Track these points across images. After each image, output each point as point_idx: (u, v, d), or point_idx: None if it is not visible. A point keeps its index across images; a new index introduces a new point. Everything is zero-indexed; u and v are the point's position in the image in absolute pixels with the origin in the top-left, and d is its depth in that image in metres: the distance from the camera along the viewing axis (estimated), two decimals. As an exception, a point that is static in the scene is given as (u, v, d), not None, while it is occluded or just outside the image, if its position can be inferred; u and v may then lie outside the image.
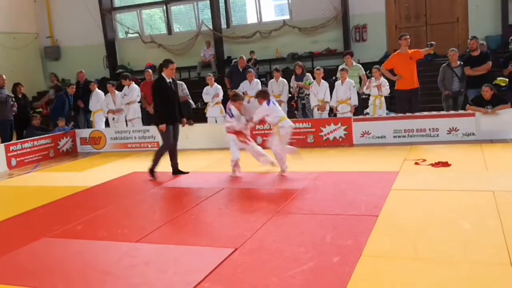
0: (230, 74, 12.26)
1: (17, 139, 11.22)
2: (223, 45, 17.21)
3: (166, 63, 8.03)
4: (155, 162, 8.05)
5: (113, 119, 11.92)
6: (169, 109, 8.06)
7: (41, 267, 4.60)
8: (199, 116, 11.65)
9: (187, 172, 8.25)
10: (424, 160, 7.71)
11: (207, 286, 3.91)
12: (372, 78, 10.46)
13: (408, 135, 9.55)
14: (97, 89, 12.21)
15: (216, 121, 11.28)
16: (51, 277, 4.33)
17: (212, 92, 11.30)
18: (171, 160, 8.30)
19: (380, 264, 4.10)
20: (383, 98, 10.34)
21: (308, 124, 10.11)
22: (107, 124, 12.34)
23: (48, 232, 5.58)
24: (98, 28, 18.25)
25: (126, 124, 11.93)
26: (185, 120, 8.78)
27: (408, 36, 10.03)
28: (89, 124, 12.50)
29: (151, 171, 8.04)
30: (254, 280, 3.98)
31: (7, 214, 6.48)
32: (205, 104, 11.76)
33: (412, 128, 9.53)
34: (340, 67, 11.10)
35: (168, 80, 8.02)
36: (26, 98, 12.50)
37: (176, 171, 8.29)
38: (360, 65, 11.14)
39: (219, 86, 11.38)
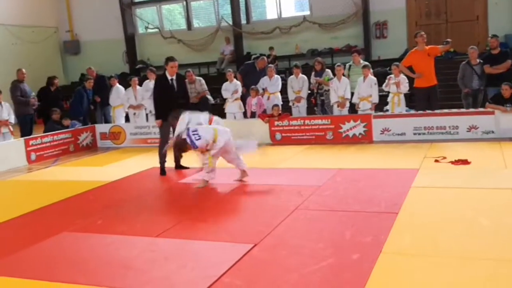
0: (244, 72, 12.07)
1: (44, 131, 11.34)
2: (243, 41, 17.20)
3: (167, 61, 8.18)
4: (160, 159, 8.21)
5: (134, 114, 11.99)
6: (167, 105, 8.18)
7: (62, 261, 4.65)
8: (218, 112, 11.64)
9: (188, 168, 8.29)
10: (444, 158, 7.64)
11: (227, 281, 3.92)
12: (391, 75, 10.37)
13: (428, 132, 9.47)
14: (117, 84, 12.29)
15: (235, 117, 11.28)
16: (72, 271, 4.37)
17: (231, 88, 11.30)
18: (174, 154, 8.41)
19: (400, 261, 4.08)
20: (402, 96, 10.26)
21: (328, 121, 10.07)
22: (127, 119, 12.43)
23: (68, 226, 5.64)
24: (118, 23, 18.37)
25: (147, 119, 11.95)
26: None
27: (423, 33, 9.97)
28: (106, 119, 12.60)
29: (160, 168, 8.17)
30: (273, 276, 3.98)
31: (28, 208, 6.55)
32: (224, 100, 11.77)
33: (432, 125, 9.45)
34: (347, 65, 11.05)
35: (169, 78, 8.15)
36: (60, 92, 12.65)
37: (177, 166, 8.38)
38: (367, 63, 11.05)
39: (239, 83, 11.37)
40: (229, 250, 4.59)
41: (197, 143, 6.52)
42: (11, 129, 10.79)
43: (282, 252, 4.45)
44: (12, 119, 10.79)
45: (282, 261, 4.26)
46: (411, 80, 10.19)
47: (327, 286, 3.73)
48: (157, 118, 8.37)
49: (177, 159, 8.36)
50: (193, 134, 6.59)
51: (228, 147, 6.84)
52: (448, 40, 10.04)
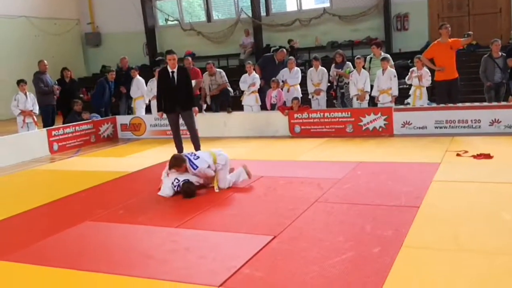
0: (263, 64, 12.02)
1: (63, 123, 11.50)
2: (262, 33, 17.17)
3: (165, 54, 8.45)
4: (177, 150, 8.40)
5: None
6: (167, 98, 8.45)
7: (84, 250, 4.72)
8: (238, 104, 11.68)
9: None
10: (466, 152, 7.54)
11: (247, 273, 3.94)
12: (414, 68, 10.26)
13: (449, 126, 9.35)
14: (138, 75, 12.37)
15: (252, 110, 11.27)
16: (94, 260, 4.43)
17: (249, 80, 11.27)
18: (176, 147, 8.63)
19: (421, 255, 4.05)
20: (424, 89, 10.14)
21: (348, 114, 10.01)
22: (148, 110, 12.50)
23: (90, 215, 5.71)
24: (138, 15, 18.46)
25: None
26: (196, 109, 8.81)
27: (448, 26, 9.84)
28: (130, 111, 12.70)
29: None
30: (293, 268, 3.98)
31: (50, 198, 6.65)
32: (242, 92, 11.76)
33: (453, 119, 9.33)
34: (367, 57, 10.95)
35: (170, 70, 8.32)
36: (74, 82, 12.76)
37: None
38: (389, 56, 10.95)
39: (257, 76, 11.33)
40: (248, 241, 4.61)
41: (197, 162, 6.27)
42: (35, 119, 10.98)
43: (302, 245, 4.45)
44: (36, 109, 11.00)
45: (302, 253, 4.26)
46: (432, 74, 10.08)
47: (348, 279, 3.73)
48: (158, 110, 8.73)
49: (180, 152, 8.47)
50: (193, 158, 6.37)
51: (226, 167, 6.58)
52: (470, 32, 9.89)
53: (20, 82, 10.86)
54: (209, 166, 6.35)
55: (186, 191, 6.19)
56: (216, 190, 6.38)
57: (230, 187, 6.48)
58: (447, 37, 9.75)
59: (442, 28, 9.80)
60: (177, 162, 6.39)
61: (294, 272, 3.89)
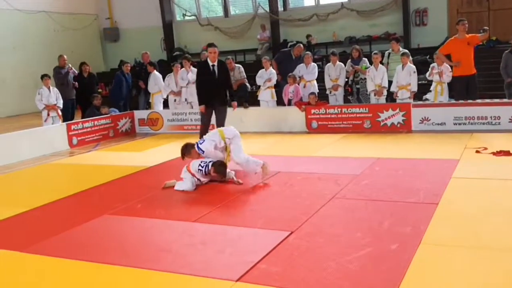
0: (280, 60, 12.00)
1: (82, 117, 11.62)
2: (279, 28, 17.12)
3: (206, 47, 8.28)
4: None
5: (175, 100, 12.08)
6: (209, 91, 8.26)
7: (103, 243, 4.77)
8: (254, 99, 11.68)
9: None
10: (485, 149, 7.46)
11: (263, 268, 3.94)
12: (434, 64, 10.15)
13: (468, 122, 9.23)
14: (155, 71, 12.41)
15: (268, 105, 11.26)
16: (112, 253, 4.48)
17: (266, 76, 11.26)
18: None
19: (440, 252, 4.02)
20: (445, 85, 10.03)
21: (365, 109, 9.94)
22: (165, 106, 12.56)
23: (109, 209, 5.76)
24: (156, 11, 18.53)
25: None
26: (235, 104, 8.81)
27: (466, 22, 9.75)
28: (148, 106, 12.77)
29: None
30: (310, 263, 3.98)
31: (70, 191, 6.73)
32: (259, 87, 11.76)
33: (473, 115, 9.21)
34: (386, 53, 10.86)
35: (211, 64, 8.19)
36: (93, 77, 12.88)
37: None
38: (406, 51, 10.84)
39: (274, 71, 11.31)
40: (266, 236, 4.61)
41: (202, 146, 6.41)
42: (60, 113, 11.13)
43: (319, 240, 4.45)
44: (60, 103, 11.17)
45: (319, 249, 4.26)
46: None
47: (365, 275, 3.71)
48: (200, 104, 8.51)
49: None
50: (199, 143, 6.52)
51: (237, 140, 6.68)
52: (486, 28, 9.80)
53: (44, 76, 11.05)
54: (215, 146, 6.46)
55: (220, 165, 6.29)
56: (237, 182, 6.46)
57: (248, 164, 6.56)
58: (464, 33, 9.67)
59: (459, 24, 9.74)
60: (186, 150, 6.61)
61: (311, 268, 3.89)
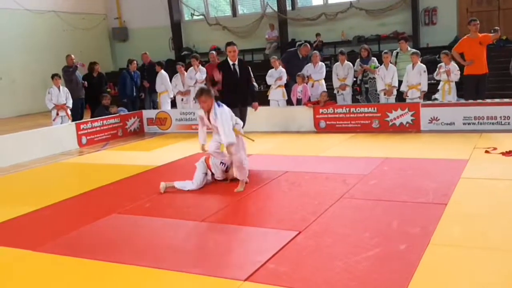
0: (287, 60, 11.96)
1: (91, 117, 11.69)
2: (288, 28, 17.11)
3: (226, 45, 8.13)
4: None
5: (182, 100, 12.12)
6: (233, 91, 8.06)
7: (112, 242, 4.80)
8: (261, 99, 11.67)
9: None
10: (495, 149, 7.41)
11: (272, 268, 3.95)
12: (442, 63, 10.11)
13: (478, 122, 9.17)
14: (162, 70, 12.44)
15: (278, 104, 11.27)
16: (121, 252, 4.51)
17: (276, 75, 11.26)
18: None
19: (449, 253, 4.00)
20: (453, 84, 9.98)
21: (374, 109, 9.91)
22: (173, 105, 12.59)
23: (118, 208, 5.79)
24: (165, 10, 18.58)
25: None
26: (256, 104, 8.69)
27: (477, 21, 9.70)
28: (154, 105, 12.81)
29: None
30: (318, 263, 3.98)
31: (79, 190, 6.77)
32: (268, 87, 11.75)
33: (482, 115, 9.14)
34: (394, 52, 10.82)
35: (231, 63, 8.07)
36: (102, 76, 12.94)
37: None
38: (416, 50, 10.79)
39: (283, 70, 11.31)
40: (274, 236, 4.61)
41: (223, 106, 6.22)
42: (69, 112, 11.21)
43: (327, 240, 4.44)
44: (70, 103, 11.24)
45: (327, 249, 4.26)
46: (461, 68, 9.93)
47: (374, 276, 3.71)
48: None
49: None
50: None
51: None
52: (496, 28, 9.73)
53: (54, 76, 11.11)
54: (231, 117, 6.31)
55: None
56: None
57: (240, 159, 6.20)
58: (476, 33, 9.63)
59: (471, 24, 9.71)
60: (206, 93, 6.16)
61: (319, 268, 3.89)
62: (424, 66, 10.12)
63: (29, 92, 16.85)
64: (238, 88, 8.12)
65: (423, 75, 9.98)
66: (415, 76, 10.01)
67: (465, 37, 10.04)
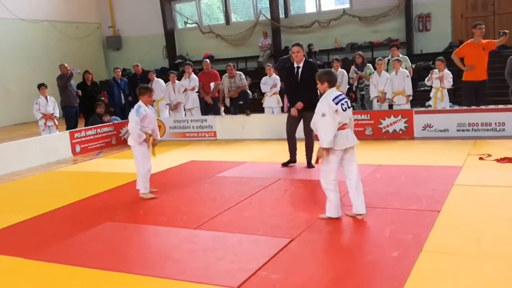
0: (280, 67, 11.92)
1: (85, 125, 11.66)
2: (281, 35, 17.16)
3: (291, 46, 7.69)
4: (289, 151, 7.88)
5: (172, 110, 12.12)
6: (290, 93, 7.82)
7: (105, 250, 4.79)
8: (258, 106, 11.68)
9: (313, 167, 7.37)
10: (489, 155, 7.42)
11: (264, 275, 3.94)
12: (435, 69, 10.14)
13: (472, 129, 9.17)
14: (155, 78, 12.41)
15: (273, 112, 11.28)
16: (114, 260, 4.49)
17: (270, 82, 11.28)
18: (289, 151, 7.92)
19: (441, 260, 3.99)
20: (445, 91, 10.01)
21: (367, 116, 9.92)
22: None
23: (111, 216, 5.78)
24: (158, 19, 18.62)
25: (185, 114, 12.12)
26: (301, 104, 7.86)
27: (483, 26, 9.58)
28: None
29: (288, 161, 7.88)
30: (310, 271, 3.97)
31: (73, 199, 6.75)
32: (262, 94, 11.76)
33: (476, 121, 9.14)
34: (385, 59, 10.86)
35: (296, 65, 7.48)
36: (96, 85, 12.92)
37: (308, 164, 7.66)
38: (406, 57, 10.83)
39: (277, 77, 11.33)
40: (266, 244, 4.61)
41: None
42: (56, 122, 11.19)
43: (320, 248, 4.44)
44: (57, 113, 11.24)
45: (320, 256, 4.26)
46: (456, 75, 9.91)
47: (366, 283, 3.71)
48: (290, 106, 7.70)
49: (307, 156, 7.68)
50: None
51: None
52: (506, 31, 9.40)
53: (41, 86, 11.08)
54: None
55: None
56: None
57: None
58: (481, 38, 9.50)
59: (476, 28, 9.52)
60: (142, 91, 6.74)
61: (312, 275, 3.88)
62: (406, 71, 10.17)
63: (24, 101, 16.70)
64: (297, 92, 7.46)
65: (406, 80, 10.03)
66: (399, 82, 10.04)
67: (468, 41, 9.87)
